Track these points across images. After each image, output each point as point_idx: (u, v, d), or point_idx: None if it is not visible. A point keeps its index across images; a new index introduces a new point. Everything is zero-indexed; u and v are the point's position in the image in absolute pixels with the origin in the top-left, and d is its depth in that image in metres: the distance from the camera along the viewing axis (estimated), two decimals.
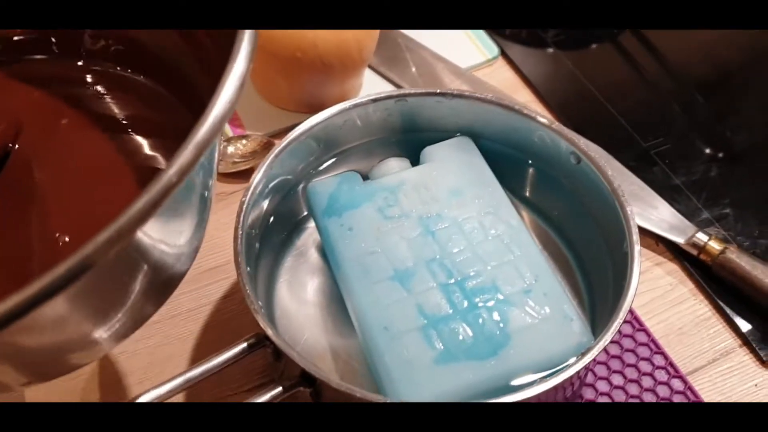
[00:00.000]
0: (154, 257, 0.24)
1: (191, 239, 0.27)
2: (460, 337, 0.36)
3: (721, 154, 0.54)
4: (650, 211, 0.49)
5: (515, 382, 0.35)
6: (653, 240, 0.49)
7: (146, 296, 0.27)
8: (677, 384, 0.42)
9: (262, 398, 0.33)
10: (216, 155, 0.27)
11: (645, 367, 0.43)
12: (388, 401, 0.32)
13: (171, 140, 0.28)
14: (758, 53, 0.62)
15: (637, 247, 0.36)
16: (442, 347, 0.35)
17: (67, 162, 0.29)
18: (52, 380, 0.29)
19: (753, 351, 0.44)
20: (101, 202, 0.28)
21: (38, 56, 0.33)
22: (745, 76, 0.60)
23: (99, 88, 0.33)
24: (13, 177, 0.28)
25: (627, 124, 0.56)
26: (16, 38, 0.33)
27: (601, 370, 0.43)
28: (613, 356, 0.43)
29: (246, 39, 0.23)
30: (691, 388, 0.42)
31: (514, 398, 0.31)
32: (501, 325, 0.36)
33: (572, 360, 0.34)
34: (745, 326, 0.44)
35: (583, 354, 0.32)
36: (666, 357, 0.43)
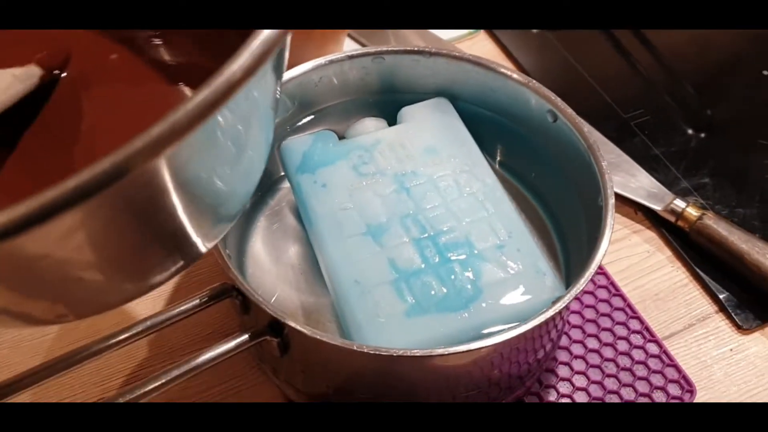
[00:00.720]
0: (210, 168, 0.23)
1: (253, 162, 0.26)
2: (432, 291, 0.35)
3: (700, 126, 0.54)
4: (629, 180, 0.49)
5: (485, 335, 0.34)
6: (632, 208, 0.49)
7: (199, 224, 0.25)
8: (652, 348, 0.42)
9: (228, 345, 0.32)
10: (284, 63, 0.25)
11: (620, 331, 0.42)
12: (358, 347, 0.31)
13: None
14: (739, 31, 0.62)
15: (611, 200, 0.35)
16: (413, 300, 0.35)
17: (113, 95, 0.28)
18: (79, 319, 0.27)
19: (729, 317, 0.43)
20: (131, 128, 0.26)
21: None
22: (726, 51, 0.60)
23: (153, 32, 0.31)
24: (59, 104, 0.27)
25: (608, 96, 0.55)
26: None
27: (576, 334, 0.42)
28: (589, 320, 0.43)
29: None
30: (666, 352, 0.41)
31: (481, 344, 0.31)
32: (473, 279, 0.36)
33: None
34: (721, 292, 0.44)
35: (554, 303, 0.32)
36: (642, 321, 0.43)
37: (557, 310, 0.32)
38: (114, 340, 0.33)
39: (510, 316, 0.35)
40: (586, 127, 0.38)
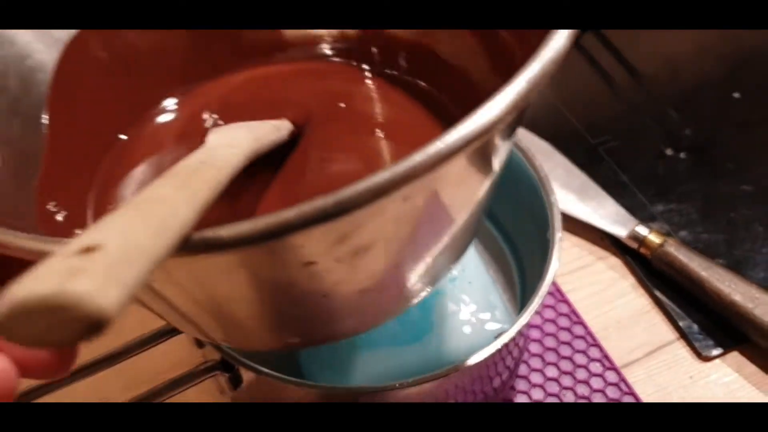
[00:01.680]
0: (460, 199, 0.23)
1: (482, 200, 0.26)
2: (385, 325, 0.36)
3: (669, 151, 0.54)
4: (595, 207, 0.49)
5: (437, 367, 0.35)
6: (598, 235, 0.49)
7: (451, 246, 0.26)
8: (611, 376, 0.42)
9: (183, 379, 0.33)
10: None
11: (580, 359, 0.43)
12: (307, 384, 0.32)
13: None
14: (707, 50, 0.62)
15: (558, 234, 0.36)
16: (366, 335, 0.35)
17: (339, 142, 0.31)
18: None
19: (690, 344, 0.44)
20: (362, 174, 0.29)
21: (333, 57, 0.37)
22: (696, 73, 0.60)
23: (377, 85, 0.35)
24: (303, 151, 0.30)
25: (576, 121, 0.56)
26: (318, 42, 0.37)
27: (535, 363, 0.43)
28: (549, 348, 0.43)
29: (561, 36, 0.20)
30: (624, 380, 0.42)
31: (430, 379, 0.31)
32: (424, 312, 0.36)
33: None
34: (682, 319, 0.44)
35: (496, 337, 0.32)
36: (601, 349, 0.43)
37: (499, 346, 0.32)
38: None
39: (460, 350, 0.35)
40: (538, 161, 0.39)
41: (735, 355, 0.43)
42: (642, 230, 0.47)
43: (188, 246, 0.17)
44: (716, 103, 0.58)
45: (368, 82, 0.36)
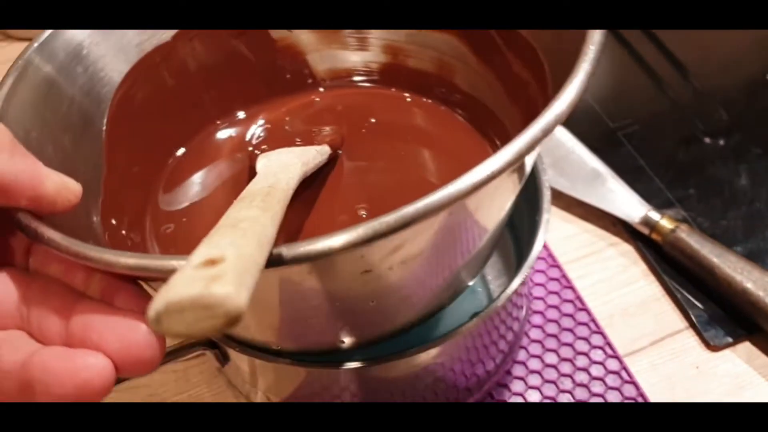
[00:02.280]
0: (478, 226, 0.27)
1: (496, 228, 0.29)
2: None
3: (690, 135, 0.52)
4: (607, 193, 0.48)
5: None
6: (610, 221, 0.48)
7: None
8: (612, 364, 0.41)
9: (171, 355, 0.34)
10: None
11: (581, 346, 0.42)
12: (285, 361, 0.32)
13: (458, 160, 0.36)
14: (741, 32, 0.59)
15: (545, 216, 0.35)
16: None
17: (369, 157, 0.36)
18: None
19: (698, 333, 0.42)
20: (394, 187, 0.34)
21: (359, 81, 0.41)
22: (727, 54, 0.58)
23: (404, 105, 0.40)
24: (334, 174, 0.35)
25: (596, 104, 0.54)
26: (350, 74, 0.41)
27: (535, 349, 0.42)
28: (550, 335, 0.42)
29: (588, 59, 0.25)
30: (626, 369, 0.41)
31: (412, 354, 0.31)
32: None
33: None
34: (692, 308, 0.43)
35: (472, 316, 0.32)
36: (604, 336, 0.42)
37: (472, 327, 0.32)
38: None
39: (442, 330, 0.35)
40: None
41: (746, 346, 0.41)
42: (654, 215, 0.45)
43: (275, 262, 0.20)
44: (747, 87, 0.55)
45: (399, 102, 0.40)
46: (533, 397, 0.40)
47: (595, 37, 0.25)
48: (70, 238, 0.22)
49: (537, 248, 0.34)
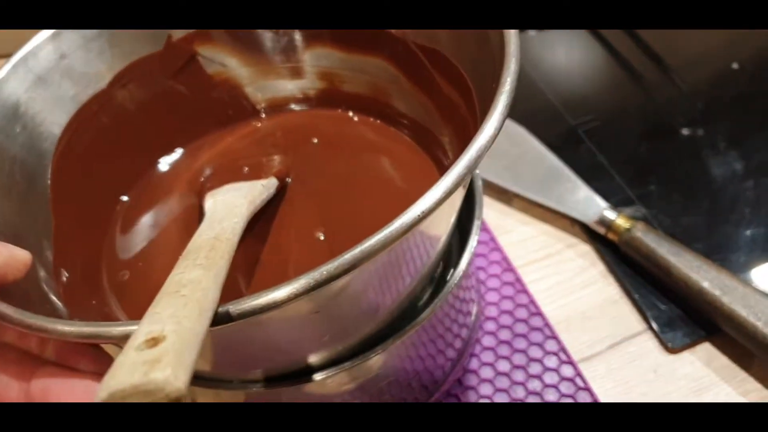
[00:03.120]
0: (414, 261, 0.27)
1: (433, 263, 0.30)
2: None
3: (651, 130, 0.50)
4: (563, 193, 0.46)
5: None
6: (568, 222, 0.47)
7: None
8: (567, 371, 0.39)
9: None
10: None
11: (535, 352, 0.40)
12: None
13: (407, 176, 0.36)
14: None
15: (476, 222, 0.34)
16: None
17: (318, 179, 0.36)
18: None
19: (657, 336, 0.40)
20: (347, 207, 0.34)
21: (298, 107, 0.41)
22: (694, 43, 0.56)
23: (354, 126, 0.40)
24: (286, 202, 0.35)
25: (555, 101, 0.53)
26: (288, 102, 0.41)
27: (487, 356, 0.40)
28: (503, 341, 0.41)
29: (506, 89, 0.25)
30: (580, 375, 0.39)
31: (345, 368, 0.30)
32: None
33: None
34: (650, 309, 0.41)
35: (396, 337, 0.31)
36: (558, 342, 0.41)
37: (406, 338, 0.31)
38: None
39: None
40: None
41: (705, 347, 0.40)
42: (610, 214, 0.44)
43: (222, 320, 0.21)
44: (715, 75, 0.54)
45: (341, 120, 0.40)
46: None
47: (511, 65, 0.26)
48: (22, 310, 0.23)
49: (465, 260, 0.33)
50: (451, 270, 0.34)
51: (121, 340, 0.20)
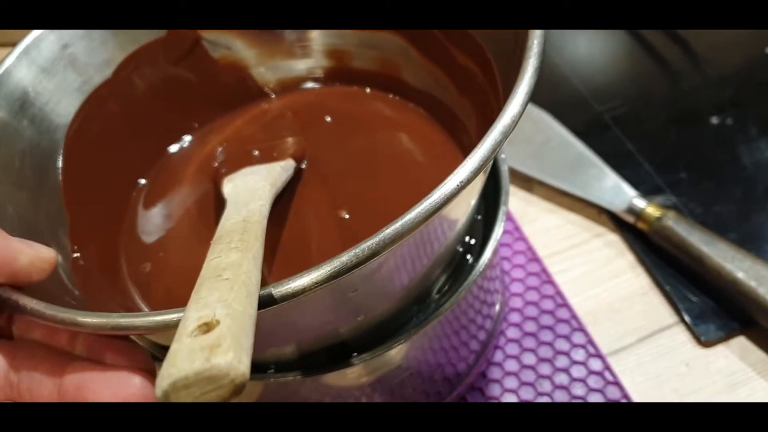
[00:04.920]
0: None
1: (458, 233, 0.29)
2: None
3: (681, 116, 0.49)
4: (590, 180, 0.45)
5: None
6: (595, 210, 0.45)
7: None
8: (595, 364, 0.38)
9: None
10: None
11: (562, 345, 0.39)
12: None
13: (426, 150, 0.35)
14: None
15: (502, 209, 0.32)
16: None
17: (335, 157, 0.35)
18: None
19: (689, 328, 0.39)
20: (370, 189, 0.33)
21: (308, 87, 0.40)
22: (712, 32, 0.54)
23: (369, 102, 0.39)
24: (304, 183, 0.34)
25: (580, 86, 0.51)
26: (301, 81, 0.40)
27: (512, 349, 0.39)
28: (528, 333, 0.40)
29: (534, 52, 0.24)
30: (609, 368, 0.38)
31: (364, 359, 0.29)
32: None
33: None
34: (682, 301, 0.40)
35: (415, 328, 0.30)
36: (586, 334, 0.39)
37: (429, 328, 0.29)
38: None
39: None
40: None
41: (740, 340, 0.38)
42: (639, 203, 0.42)
43: (267, 302, 0.20)
44: (745, 61, 0.52)
45: (353, 96, 0.39)
46: (510, 400, 0.37)
47: (535, 37, 0.25)
48: (54, 305, 0.22)
49: (491, 246, 0.31)
50: (470, 258, 0.33)
51: (171, 329, 0.19)
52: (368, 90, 0.39)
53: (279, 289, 0.20)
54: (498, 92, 0.29)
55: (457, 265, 0.34)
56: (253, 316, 0.19)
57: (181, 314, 0.19)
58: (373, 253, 0.20)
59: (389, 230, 0.20)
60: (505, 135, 0.22)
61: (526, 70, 0.24)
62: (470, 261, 0.33)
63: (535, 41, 0.24)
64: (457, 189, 0.21)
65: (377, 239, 0.20)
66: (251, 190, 0.29)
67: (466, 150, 0.34)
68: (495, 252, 0.32)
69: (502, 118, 0.22)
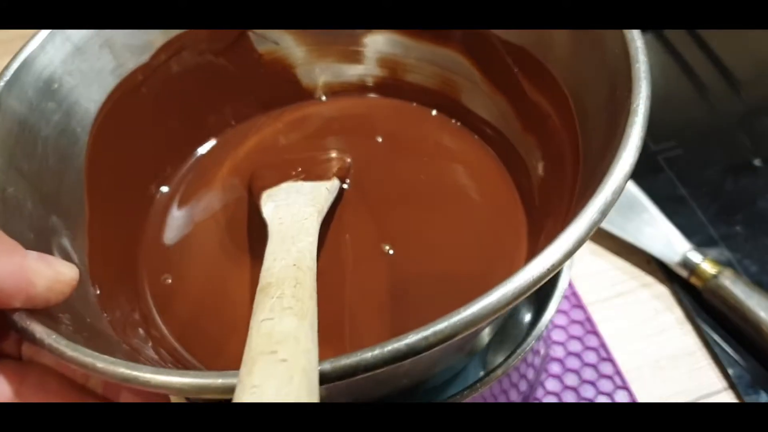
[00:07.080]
0: None
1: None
2: None
3: (741, 163, 0.47)
4: (642, 226, 0.43)
5: None
6: (644, 258, 0.43)
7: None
8: None
9: None
10: None
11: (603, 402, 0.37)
12: None
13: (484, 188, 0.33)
14: None
15: (561, 286, 0.31)
16: None
17: (379, 181, 0.33)
18: None
19: (738, 396, 0.37)
20: (417, 223, 0.31)
21: (356, 96, 0.38)
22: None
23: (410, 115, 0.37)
24: (344, 206, 0.32)
25: None
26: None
27: (551, 400, 0.37)
28: (568, 387, 0.38)
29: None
30: None
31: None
32: None
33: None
34: (732, 366, 0.38)
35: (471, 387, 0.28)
36: (630, 393, 0.37)
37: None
38: None
39: None
40: None
41: None
42: (695, 256, 0.40)
43: (328, 380, 0.18)
44: None
45: (404, 113, 0.37)
46: None
47: (641, 76, 0.23)
48: (76, 345, 0.20)
49: (544, 321, 0.30)
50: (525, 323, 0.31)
51: (215, 393, 0.18)
52: (422, 107, 0.37)
53: (335, 364, 0.18)
54: (574, 139, 0.27)
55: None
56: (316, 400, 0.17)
57: (229, 380, 0.18)
58: (447, 337, 0.18)
59: (466, 313, 0.18)
60: (604, 214, 0.20)
61: (629, 137, 0.22)
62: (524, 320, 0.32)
63: (641, 103, 0.22)
64: (545, 274, 0.19)
65: (456, 319, 0.18)
66: (298, 218, 0.27)
67: (524, 194, 0.32)
68: (548, 325, 0.30)
69: (602, 191, 0.20)
